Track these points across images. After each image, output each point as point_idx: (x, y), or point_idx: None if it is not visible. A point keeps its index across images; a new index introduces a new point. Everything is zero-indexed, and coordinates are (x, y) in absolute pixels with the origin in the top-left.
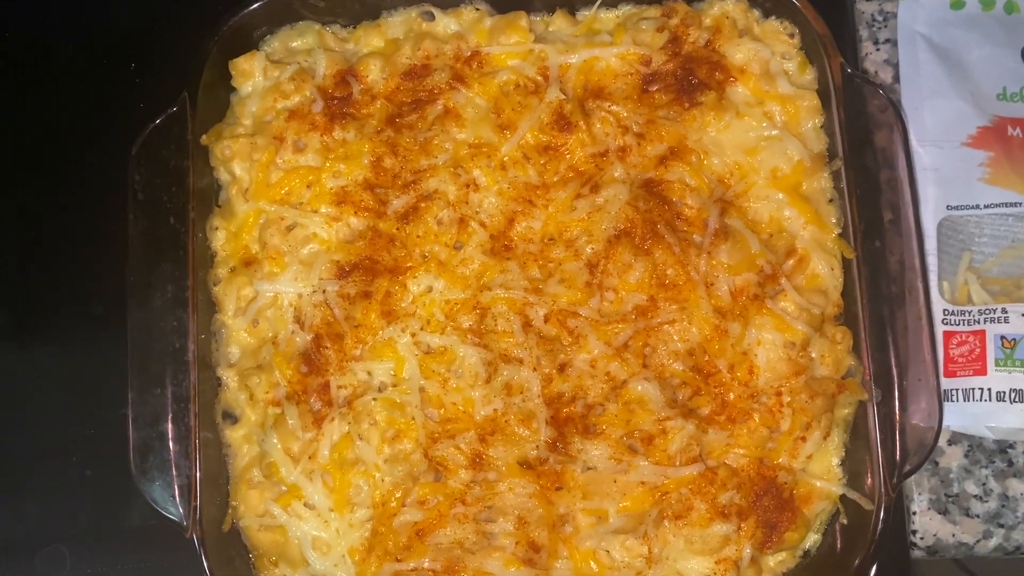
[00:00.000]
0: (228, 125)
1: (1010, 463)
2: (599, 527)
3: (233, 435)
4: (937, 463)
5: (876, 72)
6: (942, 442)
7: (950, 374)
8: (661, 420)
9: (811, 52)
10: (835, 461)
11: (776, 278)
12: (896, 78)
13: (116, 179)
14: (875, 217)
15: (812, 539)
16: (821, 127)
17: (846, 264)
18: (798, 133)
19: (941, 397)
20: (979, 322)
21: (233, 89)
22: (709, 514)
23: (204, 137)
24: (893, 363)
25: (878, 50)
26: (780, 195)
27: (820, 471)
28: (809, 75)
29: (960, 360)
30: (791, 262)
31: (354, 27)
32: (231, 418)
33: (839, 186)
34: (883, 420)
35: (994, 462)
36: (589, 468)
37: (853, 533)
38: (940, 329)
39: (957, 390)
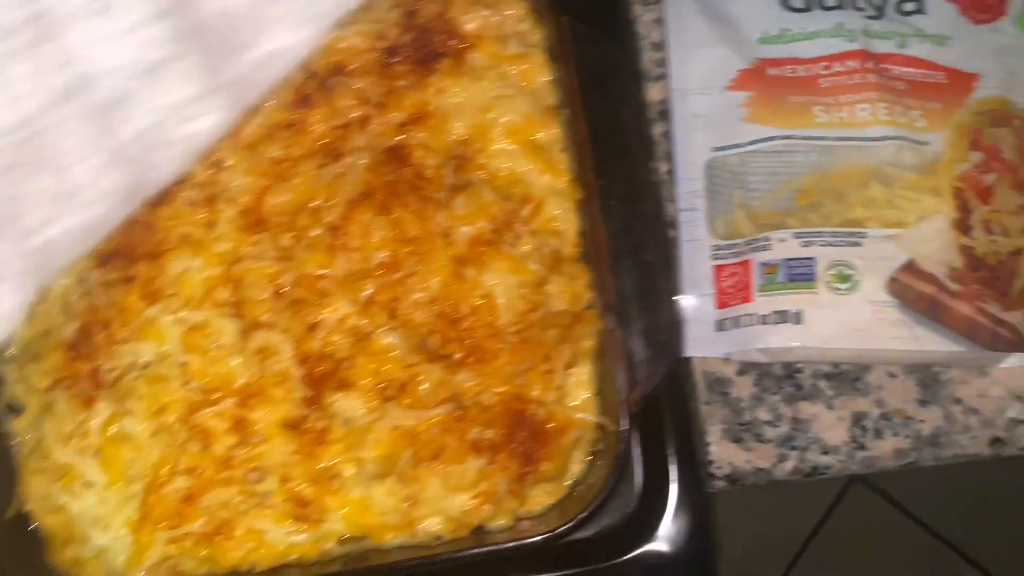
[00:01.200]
0: None
1: (798, 387)
2: (360, 475)
3: (17, 426)
4: (728, 394)
5: (649, 33)
6: (731, 373)
7: (723, 305)
8: (409, 367)
9: (544, 13)
10: (587, 393)
11: (511, 224)
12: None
13: None
14: (611, 160)
15: (577, 469)
16: (553, 82)
17: (585, 207)
18: (532, 90)
19: (679, 320)
20: (745, 253)
21: None
22: (461, 450)
23: None
24: (633, 293)
25: (649, 10)
26: (513, 147)
27: (573, 402)
28: (540, 35)
29: (730, 291)
30: (529, 208)
31: None
32: (15, 411)
33: (572, 135)
34: (624, 345)
35: (783, 388)
36: (348, 420)
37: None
38: (711, 264)
39: (728, 319)
